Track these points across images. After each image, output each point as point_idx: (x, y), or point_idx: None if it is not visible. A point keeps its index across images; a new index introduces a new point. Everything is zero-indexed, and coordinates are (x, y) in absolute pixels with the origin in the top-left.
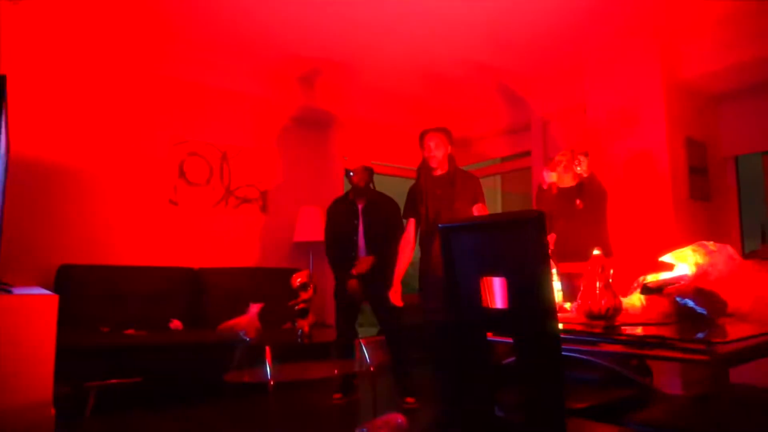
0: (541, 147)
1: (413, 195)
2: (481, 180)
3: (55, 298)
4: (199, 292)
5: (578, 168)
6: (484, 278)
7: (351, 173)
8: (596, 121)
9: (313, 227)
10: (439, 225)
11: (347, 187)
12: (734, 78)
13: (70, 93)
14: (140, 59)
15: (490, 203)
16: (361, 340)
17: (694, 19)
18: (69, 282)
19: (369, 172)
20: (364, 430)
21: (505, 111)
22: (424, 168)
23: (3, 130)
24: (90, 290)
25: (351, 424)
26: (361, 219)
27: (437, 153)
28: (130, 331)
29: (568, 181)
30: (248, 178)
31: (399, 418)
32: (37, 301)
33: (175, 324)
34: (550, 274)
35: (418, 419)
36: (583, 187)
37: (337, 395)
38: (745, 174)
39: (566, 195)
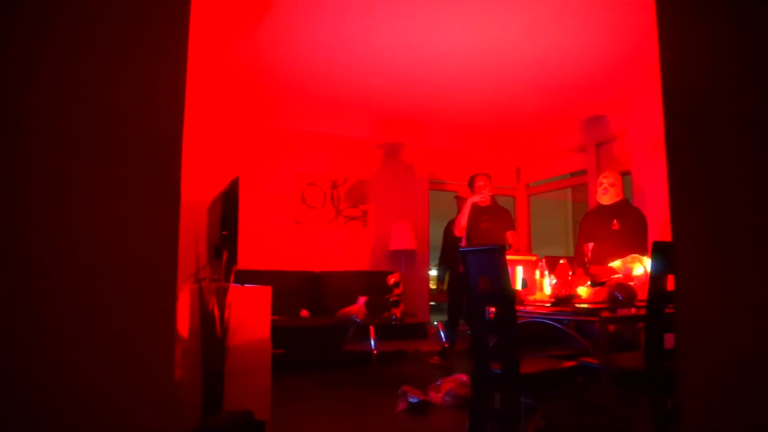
0: (595, 165)
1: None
2: (554, 191)
3: (269, 288)
4: (319, 289)
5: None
6: (481, 276)
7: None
8: (637, 146)
9: (404, 238)
10: (460, 248)
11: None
12: None
13: (227, 150)
14: (274, 118)
15: (562, 211)
16: (439, 324)
17: None
18: None
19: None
20: (439, 383)
21: (568, 135)
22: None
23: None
24: None
25: (431, 382)
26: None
27: (485, 191)
28: (274, 317)
29: (606, 201)
30: (353, 200)
31: (463, 377)
32: (261, 290)
33: (304, 312)
34: (508, 275)
35: None
36: (621, 210)
37: (436, 358)
38: None
39: (605, 213)
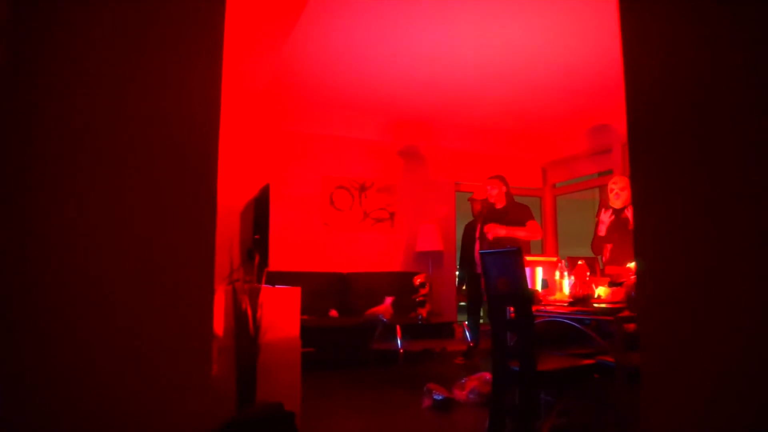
0: (621, 166)
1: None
2: (582, 191)
3: (298, 289)
4: (347, 289)
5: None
6: (499, 278)
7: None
8: None
9: (430, 240)
10: (480, 251)
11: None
12: None
13: (259, 156)
14: (305, 124)
15: (589, 211)
16: (464, 324)
17: None
18: None
19: (483, 201)
20: (463, 381)
21: (593, 136)
22: (487, 203)
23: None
24: None
25: (456, 380)
26: (478, 233)
27: (493, 192)
28: (303, 317)
29: (618, 205)
30: (380, 203)
31: (487, 375)
32: (291, 291)
33: (333, 312)
34: (525, 277)
35: None
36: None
37: (460, 359)
38: None
39: (620, 215)
